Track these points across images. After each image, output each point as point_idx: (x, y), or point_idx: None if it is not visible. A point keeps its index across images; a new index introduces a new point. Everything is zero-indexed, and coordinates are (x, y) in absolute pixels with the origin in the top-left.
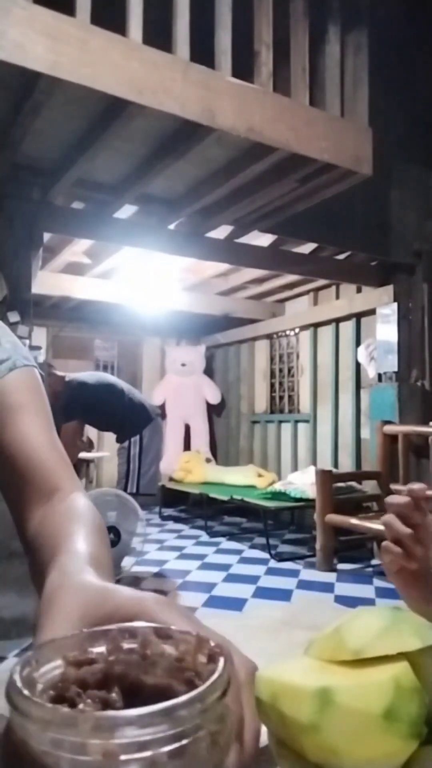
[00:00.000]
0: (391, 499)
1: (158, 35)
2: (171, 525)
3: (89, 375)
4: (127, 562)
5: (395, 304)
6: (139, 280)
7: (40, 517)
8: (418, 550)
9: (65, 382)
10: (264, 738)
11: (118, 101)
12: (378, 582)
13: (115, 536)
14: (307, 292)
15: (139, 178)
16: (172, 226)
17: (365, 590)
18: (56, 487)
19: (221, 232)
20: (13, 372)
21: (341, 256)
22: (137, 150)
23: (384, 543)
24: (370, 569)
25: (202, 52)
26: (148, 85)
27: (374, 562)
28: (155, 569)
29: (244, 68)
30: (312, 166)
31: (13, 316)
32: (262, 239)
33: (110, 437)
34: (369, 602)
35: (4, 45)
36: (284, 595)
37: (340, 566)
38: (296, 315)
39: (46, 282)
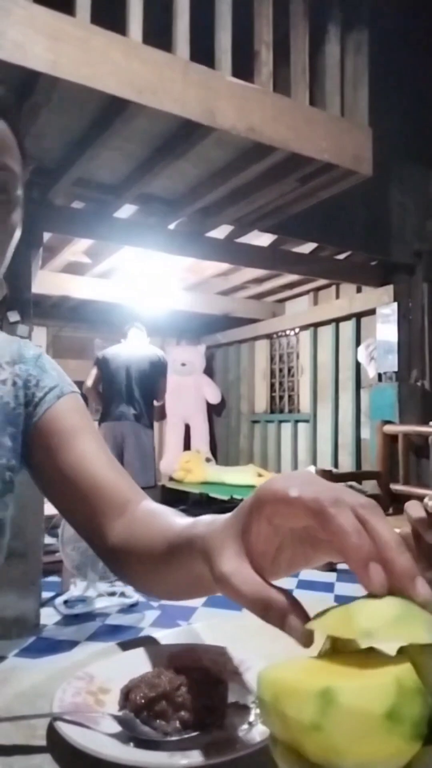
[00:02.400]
0: (410, 508)
1: (158, 35)
2: None
3: None
4: None
5: (395, 304)
6: (139, 280)
7: (123, 526)
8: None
9: None
10: (259, 741)
11: (118, 101)
12: None
13: None
14: (307, 292)
15: (139, 178)
16: (172, 226)
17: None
18: (127, 499)
19: (221, 231)
20: (62, 398)
21: (341, 256)
22: (138, 150)
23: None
24: None
25: (203, 52)
26: (148, 84)
27: None
28: None
29: (244, 68)
30: (312, 165)
31: (13, 316)
32: (262, 239)
33: None
34: None
35: (4, 44)
36: None
37: (341, 566)
38: (296, 315)
39: (46, 282)
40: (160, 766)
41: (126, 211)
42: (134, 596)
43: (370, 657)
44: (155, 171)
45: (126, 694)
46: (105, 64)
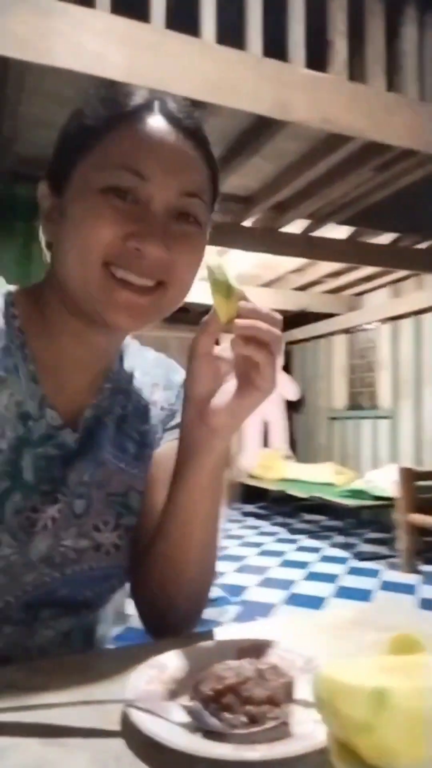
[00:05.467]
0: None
1: (230, 32)
2: (251, 521)
3: None
4: None
5: None
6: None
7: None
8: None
9: None
10: (324, 739)
11: (192, 103)
12: None
13: None
14: (387, 284)
15: None
16: (247, 223)
17: None
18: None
19: (297, 226)
20: (175, 441)
21: (423, 245)
22: (213, 149)
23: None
24: None
25: (275, 46)
26: (220, 84)
27: None
28: (236, 565)
29: (317, 58)
30: (390, 153)
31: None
32: (339, 231)
33: None
34: None
35: (83, 56)
36: (365, 595)
37: (424, 568)
38: (375, 308)
39: None
40: (225, 758)
41: None
42: (215, 591)
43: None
44: (229, 170)
45: (196, 686)
46: (178, 68)
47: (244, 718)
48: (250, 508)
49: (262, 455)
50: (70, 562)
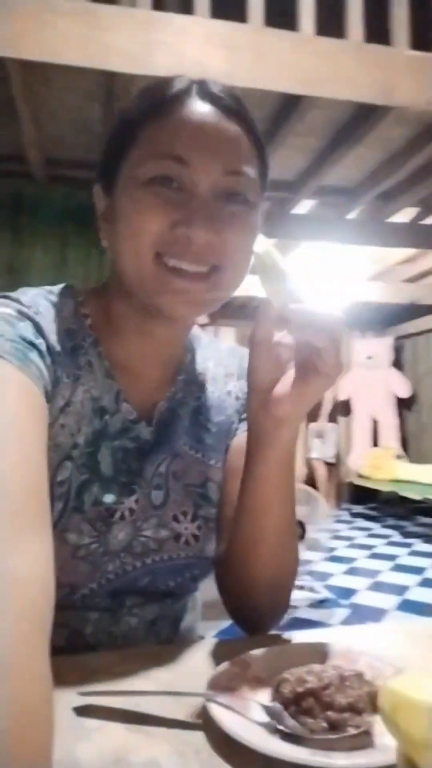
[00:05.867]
0: None
1: (329, 22)
2: (360, 523)
3: None
4: (314, 556)
5: None
6: (320, 274)
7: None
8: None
9: None
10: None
11: (290, 97)
12: None
13: (301, 529)
14: None
15: (316, 171)
16: (352, 215)
17: None
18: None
19: (405, 215)
20: (245, 432)
21: None
22: (313, 143)
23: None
24: None
25: (377, 31)
26: (319, 75)
27: None
28: (345, 567)
29: (423, 40)
30: None
31: (203, 318)
32: None
33: None
34: None
35: (184, 64)
36: None
37: None
38: None
39: None
40: (300, 762)
41: (304, 207)
42: (323, 592)
43: None
44: (331, 162)
45: (277, 687)
46: (276, 64)
47: (324, 724)
48: (359, 509)
49: (372, 454)
50: (151, 552)
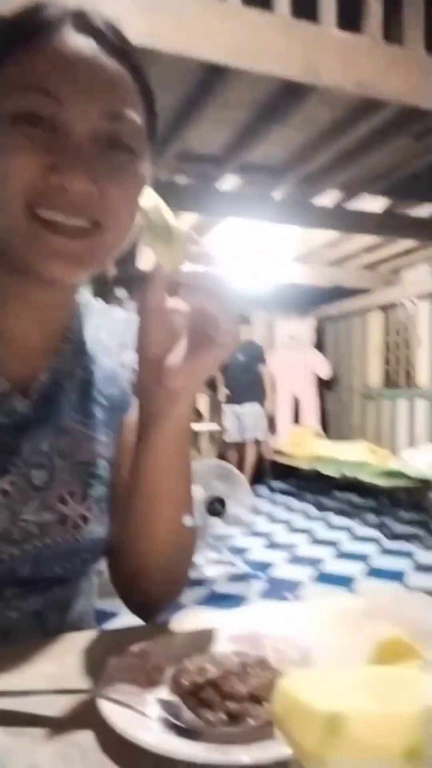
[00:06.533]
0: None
1: None
2: (280, 498)
3: None
4: (234, 531)
5: None
6: (243, 253)
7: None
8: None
9: None
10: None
11: (216, 68)
12: None
13: (221, 506)
14: (426, 259)
15: (241, 147)
16: (277, 195)
17: None
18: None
19: (330, 198)
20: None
21: None
22: (239, 117)
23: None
24: None
25: (304, 7)
26: (247, 48)
27: None
28: (264, 541)
29: (351, 21)
30: (429, 119)
31: (121, 293)
32: (375, 203)
33: None
34: None
35: None
36: (397, 576)
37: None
38: (414, 284)
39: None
40: (192, 760)
41: (228, 182)
42: (241, 566)
43: (414, 677)
44: (257, 138)
45: (175, 678)
46: (201, 32)
47: (223, 716)
48: (279, 485)
49: (293, 432)
50: (32, 537)
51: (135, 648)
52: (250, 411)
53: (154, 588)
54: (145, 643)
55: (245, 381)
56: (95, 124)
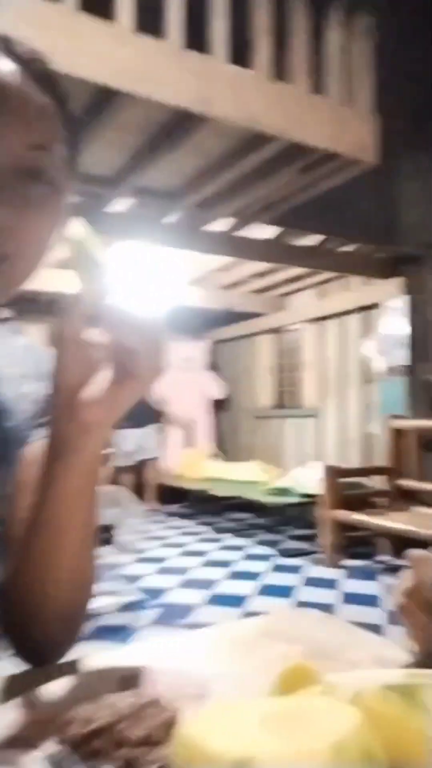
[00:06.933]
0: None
1: (149, 22)
2: (174, 522)
3: None
4: (125, 559)
5: (404, 297)
6: (137, 275)
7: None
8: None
9: None
10: None
11: (108, 91)
12: (384, 578)
13: (110, 534)
14: (313, 285)
15: (134, 170)
16: (170, 219)
17: (371, 587)
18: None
19: (224, 224)
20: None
21: (348, 248)
22: (132, 141)
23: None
24: (377, 565)
25: (197, 39)
26: (139, 73)
27: (381, 558)
28: (156, 566)
29: (242, 55)
30: (314, 154)
31: (4, 313)
32: (265, 231)
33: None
34: (375, 599)
35: None
36: (288, 591)
37: (347, 563)
38: (301, 308)
39: (40, 278)
40: None
41: (122, 204)
42: (132, 594)
43: (319, 707)
44: (150, 163)
45: (62, 728)
46: (93, 53)
47: (118, 764)
48: (173, 508)
49: (186, 454)
50: None
51: (18, 699)
52: (143, 434)
53: (53, 628)
54: (30, 693)
55: (137, 404)
56: (18, 156)
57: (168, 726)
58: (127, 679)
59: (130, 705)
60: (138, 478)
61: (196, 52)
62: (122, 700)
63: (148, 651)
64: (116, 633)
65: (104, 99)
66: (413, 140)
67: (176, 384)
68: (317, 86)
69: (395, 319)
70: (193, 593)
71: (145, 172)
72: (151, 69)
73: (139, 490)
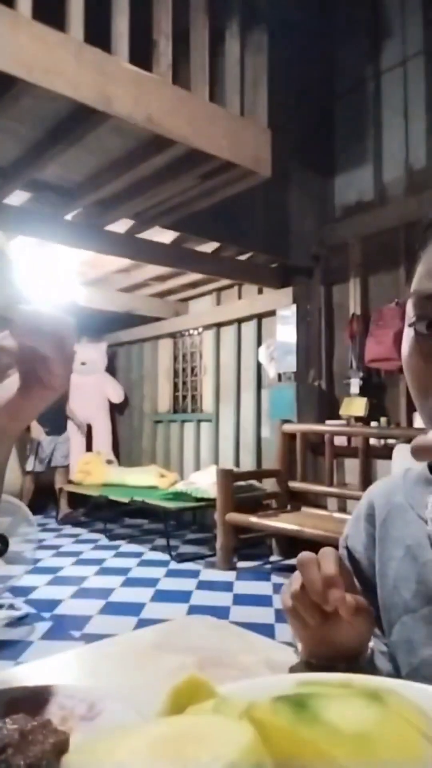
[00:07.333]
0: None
1: (50, 13)
2: (68, 529)
3: None
4: (16, 570)
5: (294, 306)
6: (33, 274)
7: None
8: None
9: None
10: None
11: (4, 77)
12: (276, 578)
13: (2, 545)
14: (211, 292)
15: (31, 162)
16: (69, 217)
17: (263, 587)
18: None
19: (122, 225)
20: None
21: (243, 257)
22: (28, 132)
23: (294, 590)
24: (269, 566)
25: (99, 36)
26: (38, 62)
27: (273, 558)
28: (49, 577)
29: (143, 58)
30: (212, 163)
31: None
32: (165, 235)
33: None
34: (267, 599)
35: None
36: (184, 596)
37: (240, 564)
38: (199, 314)
39: None
40: None
41: (18, 198)
42: (23, 608)
43: (210, 725)
44: (48, 156)
45: None
46: None
47: None
48: (71, 515)
49: (83, 460)
50: None
51: None
52: (59, 440)
53: None
54: None
55: (55, 411)
56: None
57: (58, 750)
58: (16, 701)
59: (16, 730)
60: (50, 485)
61: (97, 48)
62: (7, 726)
63: (38, 669)
64: (6, 649)
65: (1, 86)
66: (304, 156)
67: (74, 387)
68: (217, 96)
69: (286, 327)
70: (88, 603)
71: (42, 166)
72: (50, 60)
73: (51, 497)
